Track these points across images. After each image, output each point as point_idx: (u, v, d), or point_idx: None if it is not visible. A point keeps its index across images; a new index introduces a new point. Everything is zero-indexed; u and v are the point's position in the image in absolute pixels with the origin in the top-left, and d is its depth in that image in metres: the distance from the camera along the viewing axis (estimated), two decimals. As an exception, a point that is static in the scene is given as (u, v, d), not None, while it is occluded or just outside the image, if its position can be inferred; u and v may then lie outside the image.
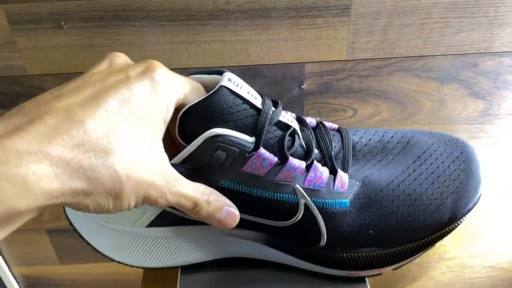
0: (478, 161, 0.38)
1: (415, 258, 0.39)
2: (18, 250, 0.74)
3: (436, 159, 0.38)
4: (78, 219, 0.39)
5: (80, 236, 0.39)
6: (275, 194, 0.35)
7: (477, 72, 0.59)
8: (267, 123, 0.33)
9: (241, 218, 0.34)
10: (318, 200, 0.35)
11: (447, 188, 0.36)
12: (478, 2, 0.53)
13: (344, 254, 0.37)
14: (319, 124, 0.40)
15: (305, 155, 0.36)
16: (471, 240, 0.63)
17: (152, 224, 0.37)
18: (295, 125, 0.36)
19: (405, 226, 0.36)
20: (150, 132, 0.28)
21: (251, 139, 0.32)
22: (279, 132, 0.34)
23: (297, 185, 0.35)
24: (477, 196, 0.37)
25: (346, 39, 0.54)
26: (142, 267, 0.40)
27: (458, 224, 0.38)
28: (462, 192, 0.37)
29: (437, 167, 0.37)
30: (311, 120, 0.40)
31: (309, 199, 0.35)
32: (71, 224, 0.39)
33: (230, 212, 0.33)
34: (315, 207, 0.35)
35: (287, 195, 0.35)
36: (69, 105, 0.25)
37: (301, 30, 0.53)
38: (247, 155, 0.32)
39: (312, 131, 0.38)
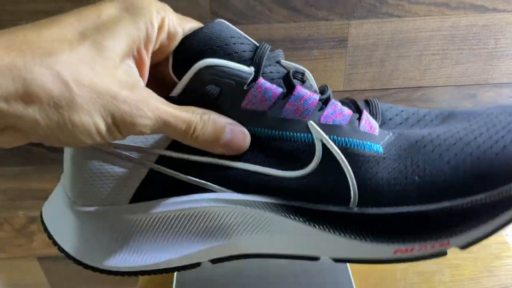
0: None
1: (488, 235, 0.29)
2: (8, 276, 0.73)
3: (487, 116, 0.29)
4: (49, 210, 0.33)
5: (49, 236, 0.32)
6: (284, 133, 0.28)
7: (476, 102, 0.58)
8: (266, 54, 0.28)
9: (245, 171, 0.29)
10: (340, 138, 0.28)
11: (509, 132, 0.27)
12: (477, 35, 0.53)
13: (384, 215, 0.28)
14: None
15: (320, 92, 0.30)
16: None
17: (137, 197, 0.30)
18: (305, 70, 0.31)
19: (461, 170, 0.27)
20: (115, 48, 0.24)
21: (248, 69, 0.28)
22: (283, 70, 0.30)
23: (310, 121, 0.28)
24: None
25: (343, 70, 0.54)
26: (125, 272, 0.32)
27: None
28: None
29: (490, 119, 0.29)
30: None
31: (326, 136, 0.28)
32: (42, 220, 0.33)
33: (236, 130, 0.28)
34: (336, 147, 0.28)
35: (298, 134, 0.28)
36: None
37: (297, 61, 0.52)
38: (245, 88, 0.28)
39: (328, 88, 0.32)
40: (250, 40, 0.29)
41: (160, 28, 0.27)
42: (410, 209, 0.27)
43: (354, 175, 0.27)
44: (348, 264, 0.53)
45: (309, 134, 0.28)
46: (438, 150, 0.28)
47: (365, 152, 0.28)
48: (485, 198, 0.26)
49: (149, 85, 0.27)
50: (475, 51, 0.54)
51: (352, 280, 0.51)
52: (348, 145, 0.28)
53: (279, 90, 0.28)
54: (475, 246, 0.29)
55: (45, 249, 0.70)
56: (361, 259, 0.30)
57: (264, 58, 0.28)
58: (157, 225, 0.30)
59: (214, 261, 0.32)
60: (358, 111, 0.31)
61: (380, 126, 0.31)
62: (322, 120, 0.28)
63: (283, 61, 0.30)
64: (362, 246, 0.28)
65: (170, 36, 0.28)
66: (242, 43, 0.28)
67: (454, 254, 0.55)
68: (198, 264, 0.32)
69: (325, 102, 0.30)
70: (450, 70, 0.55)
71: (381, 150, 0.28)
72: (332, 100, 0.30)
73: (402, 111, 0.33)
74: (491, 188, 0.26)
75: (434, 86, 0.56)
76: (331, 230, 0.28)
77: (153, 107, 0.25)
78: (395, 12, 0.50)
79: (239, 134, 0.28)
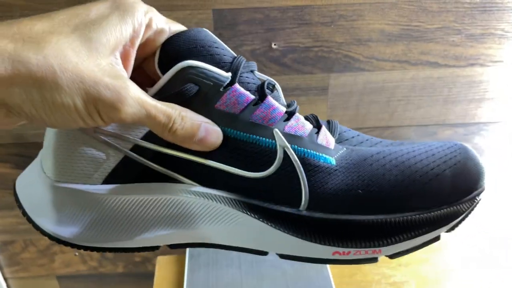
0: (478, 161, 0.33)
1: (415, 248, 0.33)
2: (28, 294, 0.81)
3: (430, 146, 0.33)
4: (23, 183, 0.35)
5: (24, 212, 0.33)
6: (251, 136, 0.31)
7: (437, 139, 0.69)
8: (243, 63, 0.32)
9: (212, 168, 0.31)
10: (300, 148, 0.31)
11: (444, 163, 0.31)
12: (433, 84, 0.64)
13: (329, 221, 0.31)
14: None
15: (287, 106, 0.33)
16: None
17: (110, 178, 0.32)
18: (275, 82, 0.34)
19: (398, 189, 0.31)
20: (102, 41, 0.26)
21: (226, 74, 0.31)
22: (257, 80, 0.33)
23: (276, 129, 0.31)
24: (481, 181, 0.33)
25: (325, 113, 0.65)
26: (95, 248, 0.33)
27: (464, 210, 0.33)
28: (462, 169, 0.32)
29: (431, 149, 0.32)
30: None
31: (288, 145, 0.31)
32: (14, 192, 0.34)
33: (210, 128, 0.30)
34: (295, 156, 0.31)
35: (264, 139, 0.31)
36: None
37: (287, 106, 0.63)
38: (221, 90, 0.30)
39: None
40: (229, 50, 0.33)
41: (148, 26, 0.29)
42: (351, 218, 0.31)
43: (308, 182, 0.31)
44: (331, 276, 0.62)
45: (273, 141, 0.31)
46: (382, 169, 0.31)
47: (319, 163, 0.31)
48: (416, 217, 0.31)
49: (135, 78, 0.29)
50: (432, 97, 0.65)
51: (334, 288, 0.60)
52: (306, 155, 0.31)
53: (252, 97, 0.31)
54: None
55: (64, 269, 0.78)
56: (304, 258, 0.33)
57: (241, 66, 0.31)
58: (125, 207, 0.32)
59: (173, 246, 0.35)
60: (317, 126, 0.33)
61: (337, 143, 0.34)
62: (286, 130, 0.31)
63: (256, 72, 0.33)
64: (306, 245, 0.32)
65: (157, 32, 0.30)
66: (222, 49, 0.32)
67: (420, 267, 0.65)
68: (157, 247, 0.35)
69: (290, 114, 0.32)
70: (413, 113, 0.66)
71: (333, 162, 0.31)
72: (297, 114, 0.33)
73: (358, 135, 0.36)
74: (422, 209, 0.31)
75: (401, 126, 0.67)
76: (281, 229, 0.32)
77: (135, 96, 0.26)
78: (366, 67, 0.62)
79: (213, 133, 0.30)
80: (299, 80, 0.62)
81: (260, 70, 0.60)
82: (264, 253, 0.34)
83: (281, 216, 0.32)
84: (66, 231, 0.32)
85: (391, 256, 0.33)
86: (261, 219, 0.32)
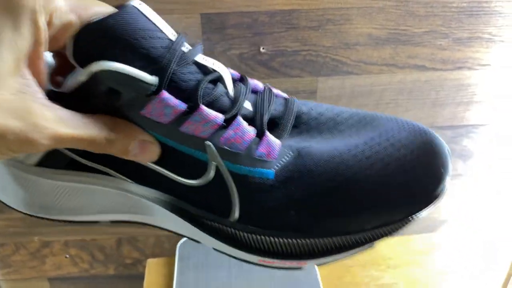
0: (442, 156, 0.30)
1: (347, 256, 0.32)
2: (20, 296, 0.81)
3: (392, 144, 0.30)
4: None
5: None
6: (181, 146, 0.28)
7: (425, 142, 0.70)
8: (175, 60, 0.27)
9: (144, 168, 0.29)
10: (233, 165, 0.29)
11: (395, 179, 0.29)
12: (421, 88, 0.65)
13: (257, 236, 0.30)
14: (266, 88, 0.32)
15: (230, 108, 0.29)
16: None
17: (43, 162, 0.31)
18: (222, 71, 0.29)
19: (334, 213, 0.29)
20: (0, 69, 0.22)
21: (152, 79, 0.26)
22: (198, 76, 0.28)
23: (208, 142, 0.28)
24: (433, 198, 0.30)
25: (314, 116, 0.65)
26: (38, 217, 0.34)
27: (400, 227, 0.31)
28: (413, 187, 0.29)
29: (390, 154, 0.29)
30: (256, 83, 0.32)
31: (221, 161, 0.28)
32: None
33: (144, 145, 0.28)
34: (228, 172, 0.29)
35: (195, 151, 0.28)
36: None
37: (275, 109, 0.64)
38: (146, 97, 0.26)
39: (247, 90, 0.31)
40: (165, 33, 0.28)
41: (49, 24, 0.24)
42: (279, 238, 0.30)
43: (239, 197, 0.29)
44: (319, 278, 0.63)
45: (205, 154, 0.28)
46: (320, 187, 0.29)
47: (255, 180, 0.29)
48: (346, 239, 0.30)
49: (59, 64, 0.27)
50: (420, 100, 0.66)
51: (322, 290, 0.61)
52: (241, 172, 0.29)
53: (181, 107, 0.27)
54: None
55: (55, 271, 0.79)
56: (234, 257, 0.33)
57: (174, 63, 0.27)
58: (56, 191, 0.31)
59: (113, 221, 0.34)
60: (261, 132, 0.30)
61: (293, 128, 0.31)
62: (221, 143, 0.28)
63: (201, 59, 0.29)
64: (234, 251, 0.32)
65: (62, 28, 0.26)
66: (153, 38, 0.27)
67: (408, 269, 0.65)
68: (97, 222, 0.34)
69: (230, 119, 0.29)
70: (401, 116, 0.66)
71: (272, 176, 0.29)
72: (238, 120, 0.29)
73: (321, 114, 0.32)
74: (355, 232, 0.30)
75: (390, 129, 0.68)
76: (210, 235, 0.31)
77: (49, 134, 0.24)
78: (354, 71, 0.62)
79: (148, 150, 0.28)
80: (288, 83, 0.62)
81: (248, 74, 0.60)
82: (197, 241, 0.33)
83: (210, 226, 0.31)
84: (9, 200, 0.33)
85: (318, 265, 0.33)
86: (192, 224, 0.31)
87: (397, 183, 0.29)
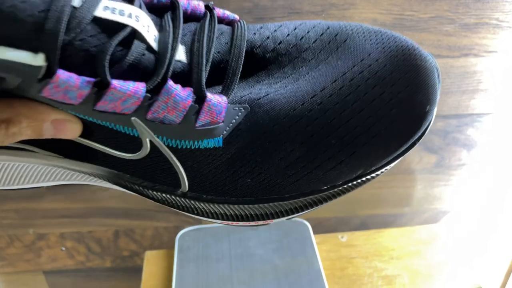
0: (427, 87, 0.25)
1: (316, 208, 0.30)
2: (15, 289, 0.79)
3: (367, 80, 0.24)
4: None
5: None
6: (105, 123, 0.23)
7: (429, 130, 0.68)
8: (62, 25, 0.19)
9: (74, 143, 0.25)
10: (170, 140, 0.24)
11: (367, 129, 0.25)
12: (426, 75, 0.63)
13: (214, 206, 0.27)
14: (207, 13, 0.26)
15: (156, 68, 0.22)
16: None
17: None
18: (134, 22, 0.22)
19: (295, 178, 0.26)
20: None
21: (37, 59, 0.19)
22: (102, 39, 0.21)
23: (134, 118, 0.23)
24: (406, 143, 0.26)
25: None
26: None
27: (369, 179, 0.28)
28: (385, 135, 0.25)
29: (365, 94, 0.24)
30: (196, 6, 0.26)
31: (155, 137, 0.24)
32: None
33: (59, 125, 0.23)
34: (166, 148, 0.24)
35: (122, 127, 0.24)
36: None
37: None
38: (37, 83, 0.20)
39: (177, 34, 0.23)
40: None
41: None
42: (241, 203, 0.27)
43: (185, 170, 0.25)
44: (322, 270, 0.62)
45: (134, 129, 0.24)
46: (280, 151, 0.25)
47: (201, 152, 0.25)
48: (308, 200, 0.27)
49: None
50: (425, 88, 0.64)
51: (326, 284, 0.60)
52: (180, 147, 0.24)
53: (86, 89, 0.21)
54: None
55: (50, 264, 0.77)
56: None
57: (62, 30, 0.19)
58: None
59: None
60: (200, 97, 0.23)
61: (244, 71, 0.25)
62: (150, 117, 0.23)
63: (103, 13, 0.21)
64: (190, 216, 0.29)
65: None
66: (25, 1, 0.19)
67: (412, 260, 0.64)
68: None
69: (156, 90, 0.22)
70: (405, 104, 0.65)
71: (220, 143, 0.24)
72: (167, 87, 0.22)
73: (280, 42, 0.26)
74: (316, 192, 0.27)
75: (393, 117, 0.66)
76: (160, 201, 0.28)
77: None
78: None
79: (65, 127, 0.23)
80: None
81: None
82: None
83: (158, 198, 0.28)
84: None
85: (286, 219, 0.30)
86: (139, 194, 0.28)
87: (371, 135, 0.25)
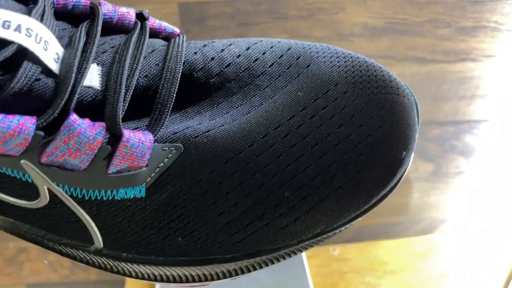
0: (405, 134, 0.22)
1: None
2: (-2, 303, 0.77)
3: (331, 117, 0.20)
4: None
5: None
6: None
7: (424, 139, 0.65)
8: None
9: None
10: (74, 190, 0.19)
11: (329, 180, 0.20)
12: (421, 81, 0.60)
13: (137, 267, 0.22)
14: (138, 24, 0.21)
15: (52, 99, 0.17)
16: None
17: None
18: (28, 38, 0.17)
19: (239, 237, 0.21)
20: None
21: None
22: None
23: (24, 161, 0.18)
24: (375, 197, 0.23)
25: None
26: None
27: (327, 237, 0.24)
28: (350, 187, 0.21)
29: (328, 135, 0.20)
30: (125, 14, 0.21)
31: (54, 186, 0.19)
32: None
33: None
34: (70, 198, 0.19)
35: (11, 171, 0.18)
36: None
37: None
38: None
39: (94, 42, 0.19)
40: None
41: None
42: (171, 264, 0.22)
43: (99, 228, 0.20)
44: (312, 286, 0.59)
45: (26, 175, 0.18)
46: (218, 202, 0.20)
47: (114, 203, 0.20)
48: (253, 263, 0.23)
49: None
50: (420, 95, 0.61)
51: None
52: (87, 197, 0.19)
53: None
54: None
55: (33, 277, 0.75)
56: None
57: None
58: None
59: None
60: (114, 137, 0.18)
61: (180, 97, 0.20)
62: (44, 160, 0.18)
63: None
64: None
65: None
66: None
67: (407, 274, 0.61)
68: None
69: (56, 122, 0.17)
70: (399, 112, 0.62)
71: (142, 193, 0.20)
72: (70, 121, 0.17)
73: (228, 65, 0.21)
74: (260, 254, 0.23)
75: (387, 125, 0.63)
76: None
77: None
78: (348, 64, 0.57)
79: None
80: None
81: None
82: None
83: (67, 253, 0.23)
84: None
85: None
86: (44, 247, 0.23)
87: (334, 187, 0.21)
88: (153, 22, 0.21)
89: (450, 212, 0.75)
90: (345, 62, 0.22)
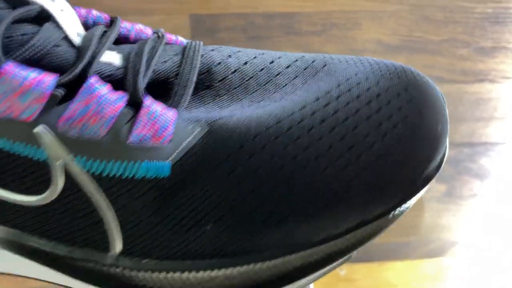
0: (436, 107, 0.21)
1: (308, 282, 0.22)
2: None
3: (358, 96, 0.20)
4: None
5: None
6: None
7: (439, 159, 0.64)
8: None
9: None
10: (92, 162, 0.17)
11: (368, 150, 0.19)
12: (437, 101, 0.58)
13: (162, 275, 0.19)
14: (154, 35, 0.21)
15: (75, 63, 0.17)
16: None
17: None
18: (51, 3, 0.18)
19: (278, 218, 0.19)
20: None
21: None
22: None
23: (39, 129, 0.16)
24: (429, 169, 0.21)
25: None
26: None
27: (376, 231, 0.21)
28: (397, 156, 0.20)
29: (357, 111, 0.19)
30: (143, 29, 0.21)
31: (70, 159, 0.17)
32: None
33: None
34: (85, 176, 0.17)
35: (19, 146, 0.17)
36: None
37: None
38: None
39: (110, 35, 0.19)
40: None
41: None
42: (198, 269, 0.19)
43: (120, 219, 0.18)
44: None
45: (38, 149, 0.17)
46: (254, 180, 0.18)
47: (138, 183, 0.18)
48: (286, 266, 0.20)
49: None
50: (435, 115, 0.59)
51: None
52: (106, 173, 0.17)
53: None
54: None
55: (37, 282, 0.74)
56: None
57: None
58: None
59: None
60: (136, 100, 0.18)
61: (201, 90, 0.20)
62: (62, 125, 0.17)
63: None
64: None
65: None
66: None
67: (399, 283, 0.59)
68: None
69: (75, 81, 0.17)
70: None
71: (167, 172, 0.18)
72: (90, 82, 0.17)
73: (245, 63, 0.21)
74: (301, 248, 0.20)
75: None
76: (80, 279, 0.20)
77: None
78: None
79: None
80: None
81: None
82: None
83: (80, 268, 0.20)
84: None
85: None
86: (52, 268, 0.20)
87: (370, 161, 0.19)
88: (170, 36, 0.22)
89: (462, 234, 0.73)
90: (360, 60, 0.22)
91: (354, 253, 0.22)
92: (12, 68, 0.16)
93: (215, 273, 0.19)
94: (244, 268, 0.20)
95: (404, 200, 0.21)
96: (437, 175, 0.66)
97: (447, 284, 0.64)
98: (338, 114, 0.19)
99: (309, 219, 0.19)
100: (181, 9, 0.51)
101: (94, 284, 0.20)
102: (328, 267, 0.22)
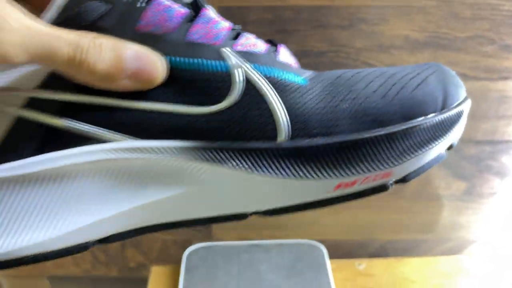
0: (453, 73, 0.28)
1: (424, 168, 0.26)
2: (20, 293, 0.78)
3: (389, 74, 0.26)
4: None
5: None
6: (192, 60, 0.23)
7: (461, 157, 0.64)
8: None
9: (148, 112, 0.23)
10: (261, 66, 0.24)
11: (424, 71, 0.26)
12: (460, 98, 0.58)
13: (320, 147, 0.24)
14: None
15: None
16: None
17: (3, 154, 0.22)
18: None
19: (389, 98, 0.25)
20: None
21: None
22: None
23: (224, 48, 0.23)
24: (463, 90, 0.29)
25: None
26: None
27: (458, 114, 0.27)
28: (444, 76, 0.27)
29: (394, 73, 0.26)
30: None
31: (247, 63, 0.23)
32: None
33: (144, 55, 0.21)
34: (258, 75, 0.23)
35: (210, 62, 0.23)
36: None
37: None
38: (140, 5, 0.22)
39: None
40: None
41: None
42: (345, 138, 0.24)
43: (284, 105, 0.24)
44: (333, 285, 0.58)
45: (224, 62, 0.23)
46: (362, 81, 0.25)
47: (289, 83, 0.24)
48: (415, 126, 0.25)
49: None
50: (458, 112, 0.59)
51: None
52: (270, 74, 0.24)
53: (183, 10, 0.23)
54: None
55: (55, 270, 0.75)
56: (296, 206, 0.26)
57: None
58: (32, 191, 0.22)
59: (104, 240, 0.25)
60: (274, 45, 0.26)
61: None
62: (237, 48, 0.24)
63: None
64: (298, 187, 0.25)
65: None
66: None
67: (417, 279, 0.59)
68: (85, 248, 0.25)
69: (237, 33, 0.25)
70: (436, 128, 0.60)
71: (305, 81, 0.24)
72: (245, 33, 0.25)
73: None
74: (421, 115, 0.25)
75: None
76: (261, 172, 0.24)
77: (22, 23, 0.18)
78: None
79: (151, 60, 0.22)
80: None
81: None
82: (242, 217, 0.26)
83: (256, 155, 0.24)
84: None
85: (405, 179, 0.26)
86: (231, 165, 0.24)
87: (428, 72, 0.27)
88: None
89: (480, 233, 0.73)
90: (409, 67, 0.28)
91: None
92: (209, 11, 0.24)
93: (347, 136, 0.25)
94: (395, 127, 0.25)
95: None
96: (458, 173, 0.65)
97: (464, 281, 0.64)
98: (385, 70, 0.26)
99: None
100: (210, 1, 0.51)
101: (269, 168, 0.24)
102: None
